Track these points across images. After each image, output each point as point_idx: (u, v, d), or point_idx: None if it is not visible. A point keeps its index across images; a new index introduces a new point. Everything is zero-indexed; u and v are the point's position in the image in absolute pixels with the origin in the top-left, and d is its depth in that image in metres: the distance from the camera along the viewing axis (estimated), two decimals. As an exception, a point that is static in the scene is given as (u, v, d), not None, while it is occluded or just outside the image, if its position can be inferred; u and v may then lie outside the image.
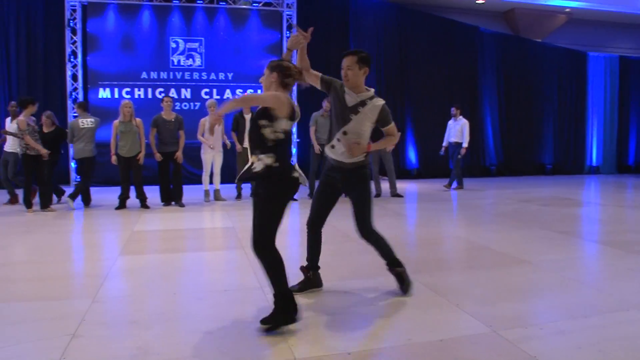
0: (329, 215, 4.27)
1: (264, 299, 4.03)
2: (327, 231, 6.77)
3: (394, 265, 4.22)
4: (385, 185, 10.66)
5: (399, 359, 3.03)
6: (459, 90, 15.35)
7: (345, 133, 3.98)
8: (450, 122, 11.95)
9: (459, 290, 4.27)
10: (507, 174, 15.92)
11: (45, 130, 9.00)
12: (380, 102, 4.06)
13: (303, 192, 10.57)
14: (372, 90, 4.11)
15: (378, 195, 10.38)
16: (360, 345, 3.20)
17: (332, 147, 4.06)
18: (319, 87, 4.17)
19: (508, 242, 6.15)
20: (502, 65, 16.16)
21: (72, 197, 8.86)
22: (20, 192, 9.09)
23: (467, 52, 15.58)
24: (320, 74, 4.15)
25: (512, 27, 17.11)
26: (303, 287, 4.26)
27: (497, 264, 5.14)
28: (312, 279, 4.31)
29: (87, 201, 9.19)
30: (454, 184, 11.92)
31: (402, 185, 11.69)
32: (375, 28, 14.81)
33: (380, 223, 7.45)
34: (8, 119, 9.59)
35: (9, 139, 9.26)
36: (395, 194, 10.45)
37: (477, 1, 15.52)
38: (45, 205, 8.68)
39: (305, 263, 4.35)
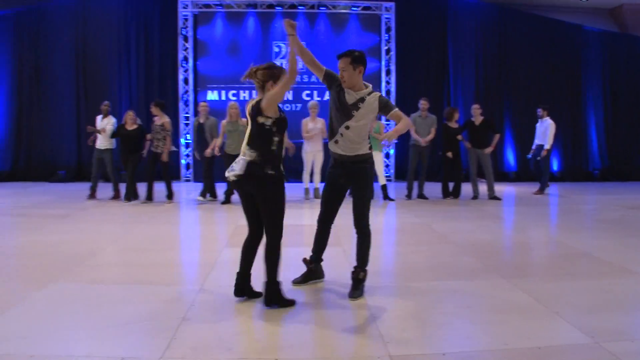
0: (337, 212, 4.34)
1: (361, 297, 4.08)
2: (423, 232, 6.73)
3: (361, 267, 4.19)
4: (483, 188, 10.37)
5: (495, 364, 2.96)
6: (560, 92, 14.61)
7: (347, 127, 4.07)
8: (538, 124, 11.32)
9: (559, 297, 4.08)
10: (612, 179, 14.87)
11: (128, 127, 9.47)
12: (378, 93, 4.18)
13: (401, 193, 10.51)
14: (370, 86, 4.20)
15: (475, 197, 10.12)
16: (456, 346, 3.16)
17: (336, 142, 4.13)
18: (321, 79, 4.24)
19: (612, 250, 5.79)
20: (607, 65, 15.15)
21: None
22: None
23: (570, 51, 14.75)
24: (325, 68, 4.21)
25: (619, 24, 16.01)
26: (306, 278, 4.43)
27: (600, 273, 4.86)
28: (314, 271, 4.45)
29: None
30: (545, 188, 11.29)
31: (499, 188, 11.30)
32: (474, 29, 14.41)
33: (478, 226, 7.32)
34: (99, 117, 10.00)
35: (99, 136, 9.71)
36: (492, 196, 10.13)
37: (581, -1, 14.68)
38: (171, 197, 9.41)
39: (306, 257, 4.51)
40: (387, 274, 5.00)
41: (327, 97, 13.46)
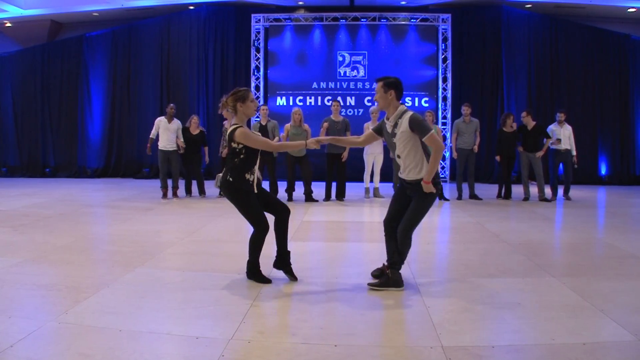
0: (401, 215, 4.17)
1: (416, 290, 4.05)
2: (477, 230, 6.59)
3: (392, 266, 4.12)
4: (533, 190, 10.04)
5: (541, 356, 2.88)
6: (609, 98, 13.83)
7: (399, 157, 4.08)
8: (553, 127, 10.38)
9: (605, 296, 3.92)
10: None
11: (192, 131, 9.69)
12: (408, 114, 3.98)
13: (455, 194, 10.32)
14: (403, 106, 4.05)
15: (526, 199, 9.81)
16: (505, 340, 3.10)
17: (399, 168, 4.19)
18: (380, 139, 4.36)
19: (662, 252, 5.46)
20: (654, 72, 14.20)
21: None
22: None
23: (618, 59, 13.92)
24: (371, 130, 4.35)
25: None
26: (384, 283, 4.12)
27: (648, 274, 4.60)
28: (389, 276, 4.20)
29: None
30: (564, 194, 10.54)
31: (550, 191, 10.89)
32: (527, 38, 13.89)
33: (529, 226, 7.10)
34: (162, 118, 9.77)
35: (164, 139, 9.59)
36: (543, 198, 9.78)
37: (629, 10, 13.82)
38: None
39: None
40: (441, 270, 4.94)
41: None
